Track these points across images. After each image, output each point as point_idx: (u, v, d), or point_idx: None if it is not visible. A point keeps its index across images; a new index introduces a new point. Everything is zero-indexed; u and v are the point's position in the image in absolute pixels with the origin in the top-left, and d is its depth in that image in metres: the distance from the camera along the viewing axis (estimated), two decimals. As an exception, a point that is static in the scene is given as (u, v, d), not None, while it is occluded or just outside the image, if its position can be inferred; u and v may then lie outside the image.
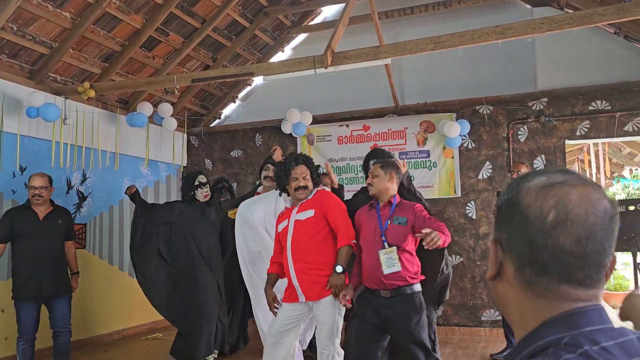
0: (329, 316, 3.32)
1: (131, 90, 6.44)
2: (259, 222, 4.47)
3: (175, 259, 5.02)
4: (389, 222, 3.24)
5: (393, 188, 3.35)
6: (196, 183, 5.12)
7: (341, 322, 3.41)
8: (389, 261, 3.14)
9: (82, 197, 6.03)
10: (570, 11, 5.55)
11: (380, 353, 3.28)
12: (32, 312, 4.20)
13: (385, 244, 3.19)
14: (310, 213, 3.48)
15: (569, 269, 0.75)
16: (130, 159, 6.72)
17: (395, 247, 3.17)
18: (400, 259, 3.17)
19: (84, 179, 6.06)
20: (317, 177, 3.67)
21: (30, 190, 4.33)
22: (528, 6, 6.22)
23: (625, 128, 5.76)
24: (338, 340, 3.38)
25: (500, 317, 5.98)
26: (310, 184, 3.55)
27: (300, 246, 3.43)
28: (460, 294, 6.20)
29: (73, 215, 5.54)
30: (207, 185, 5.18)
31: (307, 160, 3.59)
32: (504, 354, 4.83)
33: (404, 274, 3.16)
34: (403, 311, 3.11)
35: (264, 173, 4.85)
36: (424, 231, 2.94)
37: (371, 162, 3.90)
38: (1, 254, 4.27)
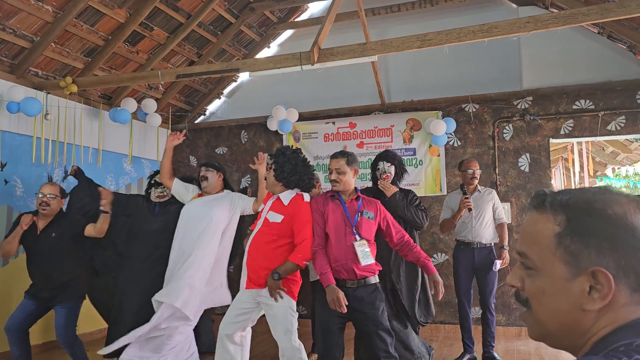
0: (277, 307, 3.30)
1: (114, 86, 6.35)
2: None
3: (125, 256, 4.51)
4: (359, 216, 3.29)
5: (354, 183, 3.43)
6: (152, 181, 4.58)
7: (294, 317, 3.37)
8: (364, 253, 3.22)
9: (64, 194, 5.92)
10: (555, 11, 5.58)
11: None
12: (26, 310, 4.00)
13: (357, 236, 3.24)
14: (278, 218, 3.40)
15: None
16: (113, 155, 6.63)
17: (366, 241, 3.26)
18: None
19: (66, 175, 5.95)
20: (290, 176, 3.46)
21: (37, 198, 4.08)
22: (514, 5, 6.25)
23: (609, 127, 5.82)
24: (295, 337, 3.35)
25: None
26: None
27: (259, 248, 3.41)
28: (445, 291, 6.16)
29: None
30: (165, 187, 4.47)
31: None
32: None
33: (373, 266, 3.28)
34: (371, 301, 3.20)
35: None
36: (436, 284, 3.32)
37: (333, 158, 3.63)
38: (9, 254, 4.06)
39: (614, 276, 0.75)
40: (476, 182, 4.92)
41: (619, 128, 5.79)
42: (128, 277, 4.32)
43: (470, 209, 4.66)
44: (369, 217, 3.31)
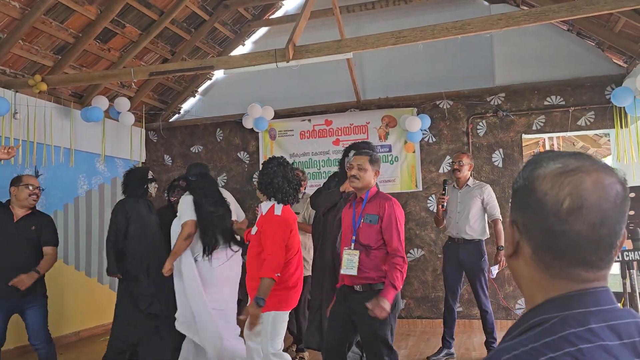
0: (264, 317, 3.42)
1: (86, 84, 6.23)
2: None
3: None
4: (361, 221, 3.14)
5: (374, 183, 3.26)
6: (149, 177, 4.74)
7: (279, 324, 3.46)
8: (349, 262, 3.10)
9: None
10: (526, 8, 5.67)
11: (352, 344, 3.34)
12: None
13: (353, 244, 3.14)
14: (254, 230, 3.51)
15: (583, 253, 0.78)
16: (85, 154, 6.51)
17: (357, 251, 3.12)
18: (372, 260, 3.12)
19: (37, 176, 5.81)
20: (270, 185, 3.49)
21: (25, 190, 4.00)
22: (486, 3, 6.34)
23: (579, 122, 5.95)
24: (276, 341, 3.44)
25: (460, 309, 6.10)
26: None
27: (250, 259, 3.52)
28: (422, 286, 6.28)
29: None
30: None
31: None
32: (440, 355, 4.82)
33: (374, 274, 3.11)
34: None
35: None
36: (369, 306, 2.93)
37: (351, 152, 3.73)
38: None
39: (521, 231, 0.84)
40: (460, 174, 4.79)
41: (588, 123, 5.93)
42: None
43: (442, 206, 4.72)
44: (370, 221, 3.11)
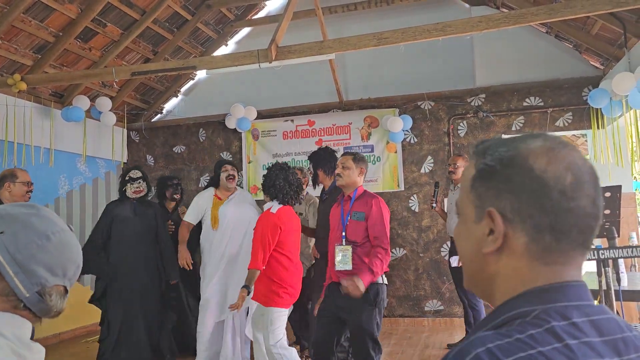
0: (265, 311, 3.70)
1: (66, 84, 6.17)
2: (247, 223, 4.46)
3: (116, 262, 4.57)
4: (349, 218, 3.30)
5: (360, 181, 3.41)
6: (126, 178, 4.66)
7: (276, 319, 3.66)
8: (343, 258, 3.22)
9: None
10: (506, 10, 5.77)
11: (341, 340, 3.43)
12: None
13: (344, 240, 3.26)
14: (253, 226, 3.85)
15: (586, 231, 0.74)
16: (66, 155, 6.44)
17: (350, 246, 3.24)
18: (358, 255, 3.23)
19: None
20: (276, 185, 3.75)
21: (22, 187, 3.94)
22: (466, 5, 6.42)
23: (557, 123, 6.06)
24: (275, 335, 3.64)
25: (442, 307, 6.17)
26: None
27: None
28: (404, 285, 6.34)
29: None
30: (141, 181, 4.66)
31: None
32: None
33: (362, 267, 3.19)
34: (357, 303, 3.17)
35: (224, 174, 4.56)
36: (344, 283, 3.02)
37: (342, 155, 3.91)
38: None
39: (510, 220, 0.74)
40: (455, 176, 4.94)
41: (566, 124, 6.04)
42: (127, 285, 4.46)
43: (432, 207, 5.04)
44: (357, 218, 3.28)
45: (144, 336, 4.51)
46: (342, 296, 3.15)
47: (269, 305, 3.63)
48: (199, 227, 4.66)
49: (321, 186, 4.57)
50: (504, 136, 0.84)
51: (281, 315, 3.67)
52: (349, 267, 3.20)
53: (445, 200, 5.46)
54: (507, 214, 0.74)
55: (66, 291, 1.10)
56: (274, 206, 3.72)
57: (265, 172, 3.90)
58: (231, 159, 7.12)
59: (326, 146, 4.76)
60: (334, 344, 3.33)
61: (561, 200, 0.72)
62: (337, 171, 3.42)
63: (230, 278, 4.41)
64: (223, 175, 4.54)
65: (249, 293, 3.57)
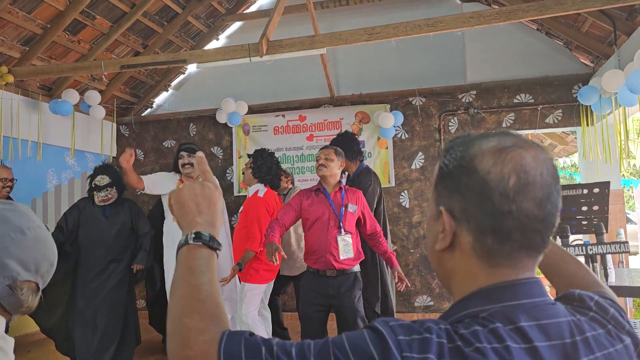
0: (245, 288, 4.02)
1: (55, 76, 6.09)
2: None
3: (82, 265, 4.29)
4: (344, 210, 3.43)
5: (339, 174, 3.58)
6: (92, 185, 4.29)
7: (250, 294, 3.97)
8: (346, 247, 3.36)
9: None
10: (497, 7, 5.77)
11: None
12: None
13: (342, 230, 3.38)
14: (241, 209, 4.08)
15: (530, 234, 0.73)
16: (54, 149, 6.37)
17: (350, 234, 3.40)
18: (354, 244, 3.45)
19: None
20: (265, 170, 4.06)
21: None
22: (458, 1, 6.42)
23: (547, 120, 6.08)
24: (248, 308, 3.96)
25: (431, 303, 6.19)
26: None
27: (236, 232, 4.13)
28: (394, 281, 6.34)
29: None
30: (108, 188, 4.26)
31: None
32: None
33: (351, 260, 3.41)
34: (348, 289, 3.34)
35: (180, 161, 4.45)
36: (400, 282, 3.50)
37: (323, 148, 4.04)
38: None
39: (458, 219, 0.76)
40: None
41: (556, 121, 6.07)
42: (89, 287, 4.20)
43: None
44: (352, 211, 3.45)
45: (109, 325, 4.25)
46: (329, 284, 3.34)
47: (246, 280, 3.98)
48: (161, 215, 4.64)
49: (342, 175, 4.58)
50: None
51: (255, 290, 3.98)
52: (351, 254, 3.38)
53: None
54: (456, 213, 0.76)
55: (38, 288, 1.08)
56: (260, 189, 4.00)
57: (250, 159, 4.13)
58: (222, 154, 7.09)
59: (346, 130, 4.80)
60: (325, 332, 3.47)
61: (502, 203, 0.72)
62: (320, 162, 3.53)
63: None
64: (180, 162, 4.48)
65: (240, 270, 3.80)
